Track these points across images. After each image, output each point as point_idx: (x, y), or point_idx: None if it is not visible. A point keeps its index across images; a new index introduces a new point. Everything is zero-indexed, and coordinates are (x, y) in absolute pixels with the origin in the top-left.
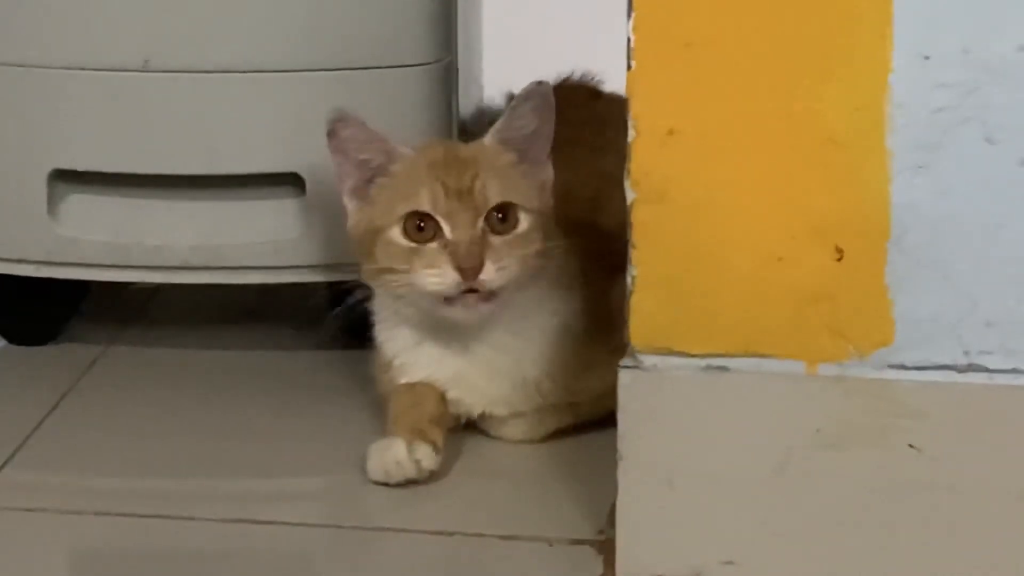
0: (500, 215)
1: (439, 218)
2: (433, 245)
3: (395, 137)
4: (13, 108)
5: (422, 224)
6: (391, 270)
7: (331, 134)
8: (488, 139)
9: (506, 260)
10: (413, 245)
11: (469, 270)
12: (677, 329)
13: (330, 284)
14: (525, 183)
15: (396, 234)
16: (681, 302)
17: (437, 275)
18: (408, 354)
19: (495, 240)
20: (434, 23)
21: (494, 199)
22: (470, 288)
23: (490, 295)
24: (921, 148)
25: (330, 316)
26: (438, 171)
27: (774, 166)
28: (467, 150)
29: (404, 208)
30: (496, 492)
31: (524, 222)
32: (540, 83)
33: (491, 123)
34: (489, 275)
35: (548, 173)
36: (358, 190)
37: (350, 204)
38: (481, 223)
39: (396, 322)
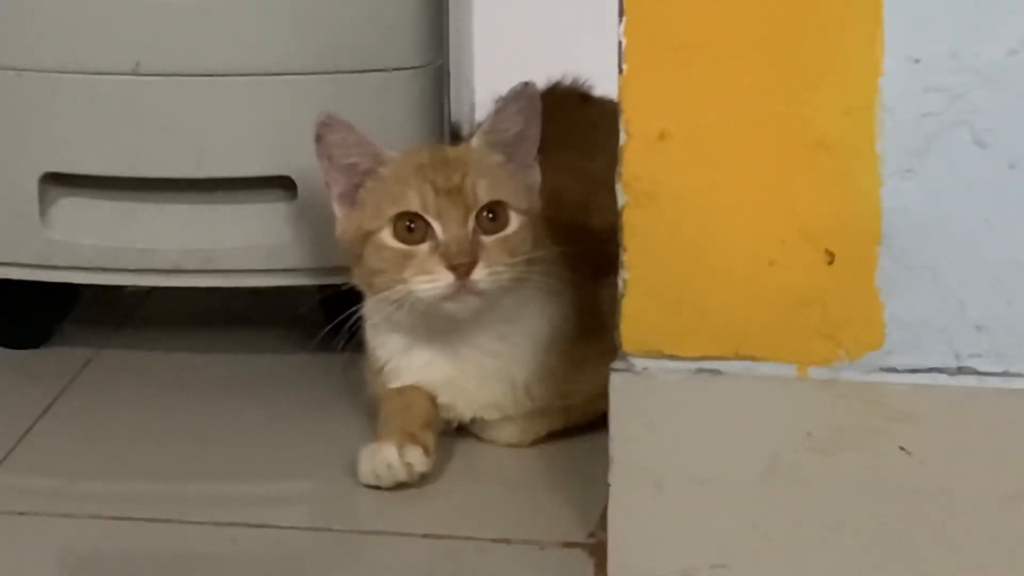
0: (490, 214)
1: (429, 218)
2: (424, 246)
3: (384, 141)
4: (4, 111)
5: (412, 225)
6: (383, 273)
7: (318, 139)
8: (475, 140)
9: (498, 265)
10: (404, 247)
11: (462, 267)
12: (668, 332)
13: (321, 288)
14: (513, 183)
15: (386, 237)
16: (672, 305)
17: (430, 280)
18: (399, 358)
19: (486, 240)
20: (425, 26)
21: (484, 198)
22: (463, 287)
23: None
24: (911, 152)
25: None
26: (426, 172)
27: (765, 170)
28: (455, 151)
29: (393, 210)
30: (487, 495)
31: (514, 222)
32: (526, 84)
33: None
34: (481, 276)
35: (536, 174)
36: (347, 195)
37: (339, 209)
38: (472, 222)
39: (387, 326)
